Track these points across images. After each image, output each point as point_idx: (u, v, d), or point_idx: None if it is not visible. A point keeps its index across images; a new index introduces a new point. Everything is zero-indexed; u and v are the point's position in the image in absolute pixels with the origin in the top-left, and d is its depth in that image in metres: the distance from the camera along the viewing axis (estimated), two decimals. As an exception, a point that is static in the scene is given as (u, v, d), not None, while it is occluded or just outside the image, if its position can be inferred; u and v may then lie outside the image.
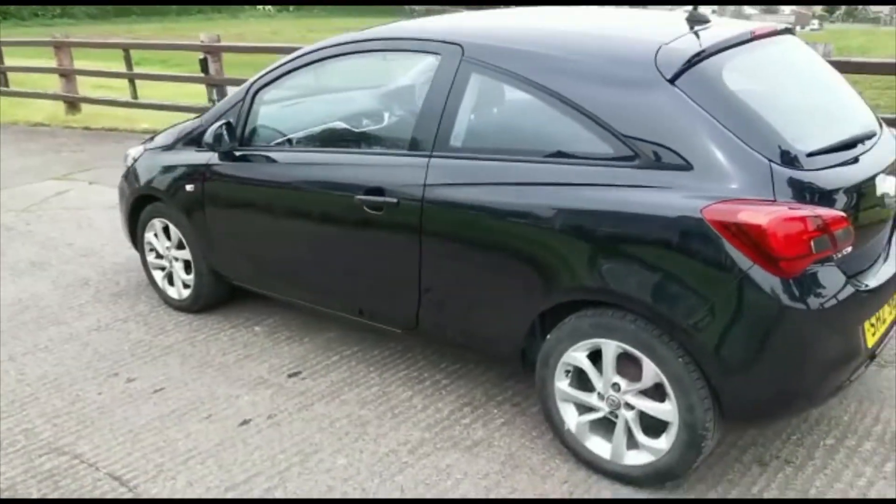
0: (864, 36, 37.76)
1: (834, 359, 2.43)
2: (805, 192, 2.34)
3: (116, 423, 3.17)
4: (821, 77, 2.95)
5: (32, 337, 3.96)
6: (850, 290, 2.38)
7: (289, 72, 3.41)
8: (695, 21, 2.85)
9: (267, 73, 3.48)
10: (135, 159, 4.20)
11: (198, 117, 4.01)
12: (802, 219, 2.24)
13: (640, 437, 2.57)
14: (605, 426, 2.68)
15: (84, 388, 3.46)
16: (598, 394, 2.63)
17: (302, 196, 3.32)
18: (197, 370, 3.57)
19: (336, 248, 3.26)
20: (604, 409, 2.64)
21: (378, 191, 2.98)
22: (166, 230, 4.07)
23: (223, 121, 3.51)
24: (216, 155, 3.63)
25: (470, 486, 2.70)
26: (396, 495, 2.68)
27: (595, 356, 2.62)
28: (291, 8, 71.65)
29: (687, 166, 2.37)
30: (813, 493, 2.59)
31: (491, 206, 2.72)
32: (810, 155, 2.42)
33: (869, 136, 2.74)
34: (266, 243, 3.55)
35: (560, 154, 2.62)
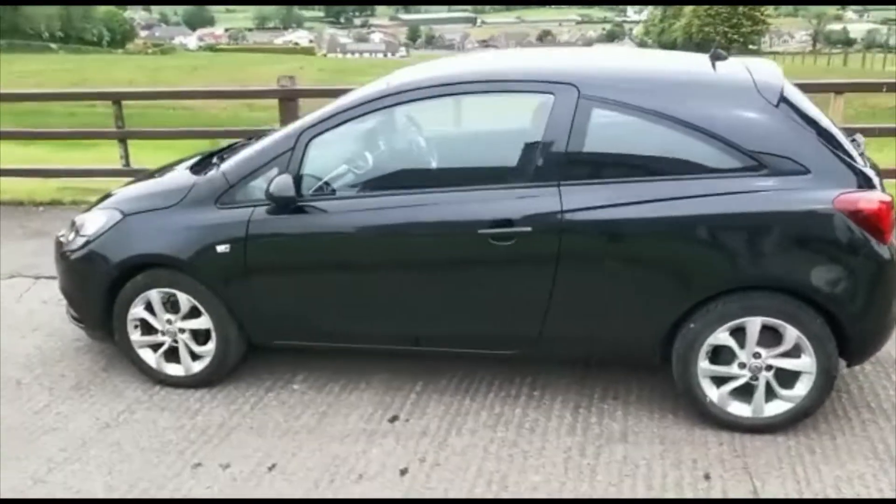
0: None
1: None
2: (868, 184, 3.17)
3: (272, 508, 2.90)
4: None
5: (33, 452, 3.28)
6: None
7: (358, 116, 3.39)
8: (716, 58, 3.55)
9: (327, 119, 3.40)
10: (104, 228, 3.67)
11: (201, 171, 3.69)
12: (892, 202, 3.07)
13: (781, 390, 3.19)
14: (741, 390, 3.25)
15: (180, 486, 3.04)
16: (739, 364, 3.20)
17: (403, 238, 3.34)
18: (287, 439, 3.33)
19: (444, 283, 3.34)
20: (745, 377, 3.21)
21: (506, 222, 3.18)
22: (168, 301, 3.65)
23: (277, 172, 3.34)
24: (261, 209, 3.42)
25: (662, 468, 3.07)
26: (613, 493, 2.95)
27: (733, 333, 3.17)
28: None
29: (805, 171, 3.06)
30: (867, 392, 3.47)
31: (635, 222, 3.13)
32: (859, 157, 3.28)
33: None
34: (344, 291, 3.45)
35: (693, 171, 3.13)
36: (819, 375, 3.14)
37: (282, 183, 3.30)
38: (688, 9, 70.78)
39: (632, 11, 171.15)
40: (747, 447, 3.19)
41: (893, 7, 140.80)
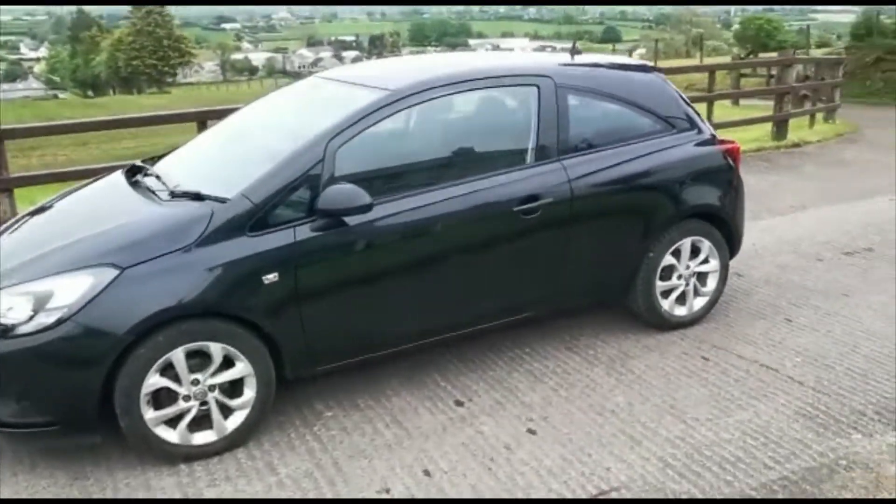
0: None
1: None
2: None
3: (488, 497, 2.92)
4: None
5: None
6: None
7: (380, 119, 3.42)
8: (574, 52, 4.51)
9: (352, 125, 3.34)
10: (96, 292, 2.93)
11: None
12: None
13: (702, 289, 4.35)
14: (678, 297, 4.31)
15: (375, 523, 2.81)
16: (678, 276, 4.25)
17: (450, 228, 3.51)
18: (404, 451, 3.23)
19: (491, 262, 3.67)
20: (682, 285, 4.28)
21: (533, 197, 3.67)
22: (193, 357, 3.11)
23: (309, 186, 3.25)
24: (304, 227, 3.23)
25: (679, 363, 3.94)
26: (681, 386, 3.72)
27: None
28: None
29: (692, 127, 4.26)
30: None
31: (616, 181, 3.93)
32: (692, 115, 4.60)
33: None
34: (409, 292, 3.48)
35: (641, 135, 4.06)
36: (721, 271, 4.39)
37: (345, 193, 3.19)
38: (106, 43, 68.94)
39: (26, 49, 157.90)
40: (698, 335, 4.28)
41: (281, 38, 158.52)
